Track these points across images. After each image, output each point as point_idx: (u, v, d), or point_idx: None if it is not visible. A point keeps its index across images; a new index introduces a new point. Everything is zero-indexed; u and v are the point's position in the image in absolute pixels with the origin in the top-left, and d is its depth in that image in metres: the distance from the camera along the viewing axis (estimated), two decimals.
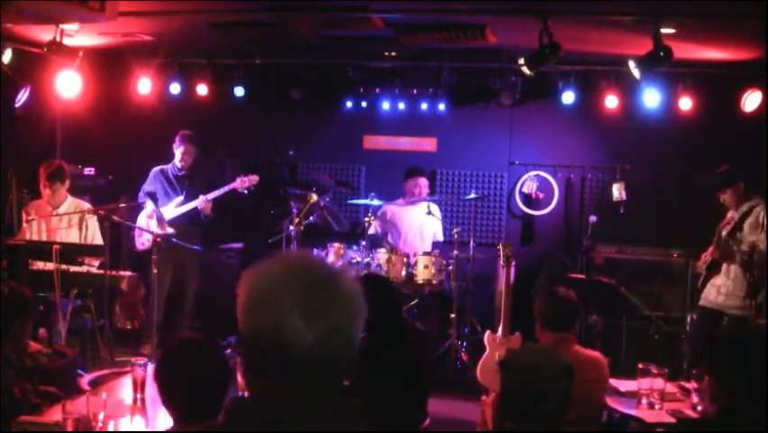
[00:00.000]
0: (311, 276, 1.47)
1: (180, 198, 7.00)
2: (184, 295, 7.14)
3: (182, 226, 6.91)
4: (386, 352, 3.64)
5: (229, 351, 5.72)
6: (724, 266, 5.81)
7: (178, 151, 7.06)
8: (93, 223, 6.43)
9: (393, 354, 3.68)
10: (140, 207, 7.03)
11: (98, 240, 6.46)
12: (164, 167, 7.17)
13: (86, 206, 6.53)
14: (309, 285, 1.45)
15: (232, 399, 1.54)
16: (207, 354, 2.70)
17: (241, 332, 1.48)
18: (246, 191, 7.00)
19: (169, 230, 6.84)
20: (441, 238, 7.55)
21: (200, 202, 6.91)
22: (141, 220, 6.97)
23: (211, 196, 6.93)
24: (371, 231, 7.35)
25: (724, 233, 5.85)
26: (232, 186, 6.96)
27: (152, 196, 7.05)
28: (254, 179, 6.98)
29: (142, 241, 6.95)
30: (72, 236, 6.34)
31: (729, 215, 5.94)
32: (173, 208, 6.99)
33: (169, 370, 2.67)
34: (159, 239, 6.42)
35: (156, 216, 6.92)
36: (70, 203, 6.46)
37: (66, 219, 6.38)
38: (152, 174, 7.16)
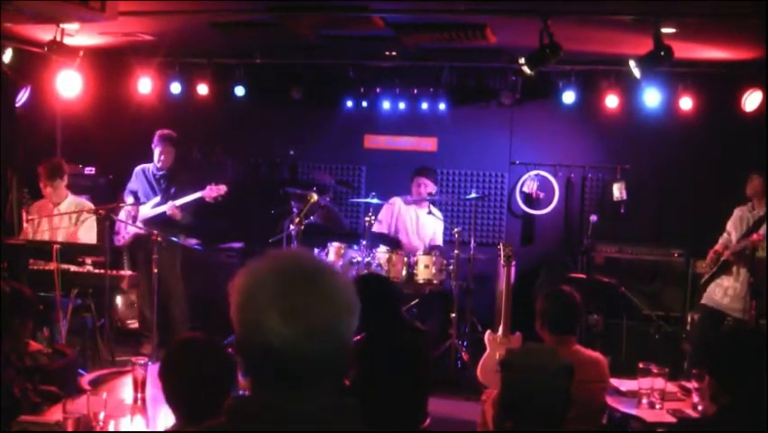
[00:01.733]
0: (294, 274, 1.46)
1: (157, 199, 6.97)
2: (170, 293, 7.02)
3: (161, 227, 6.80)
4: (385, 352, 3.64)
5: (230, 350, 5.72)
6: (734, 268, 5.81)
7: (156, 151, 6.99)
8: (90, 221, 6.41)
9: (393, 354, 3.68)
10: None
11: (91, 239, 6.42)
12: (146, 166, 7.12)
13: (87, 204, 6.53)
14: (290, 283, 1.44)
15: (232, 398, 1.54)
16: (213, 353, 2.72)
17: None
18: (213, 201, 6.88)
19: (140, 230, 6.80)
20: (440, 242, 7.54)
21: (169, 208, 6.84)
22: (122, 217, 6.96)
23: (179, 202, 6.84)
24: (376, 228, 7.35)
25: (733, 239, 5.86)
26: (200, 194, 6.85)
27: (135, 194, 7.03)
28: (222, 188, 6.83)
29: (118, 238, 6.99)
30: (72, 232, 6.34)
31: (737, 212, 5.94)
32: (149, 209, 6.96)
33: (173, 368, 2.67)
34: (160, 238, 6.41)
35: (131, 215, 6.89)
36: (71, 201, 6.48)
37: (66, 217, 6.39)
38: (135, 173, 7.15)
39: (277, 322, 1.40)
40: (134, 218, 6.90)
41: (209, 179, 6.99)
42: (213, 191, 6.85)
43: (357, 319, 1.49)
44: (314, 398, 1.44)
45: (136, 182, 7.11)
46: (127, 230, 7.01)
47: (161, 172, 7.05)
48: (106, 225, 6.17)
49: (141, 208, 6.94)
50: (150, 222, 6.86)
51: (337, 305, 1.46)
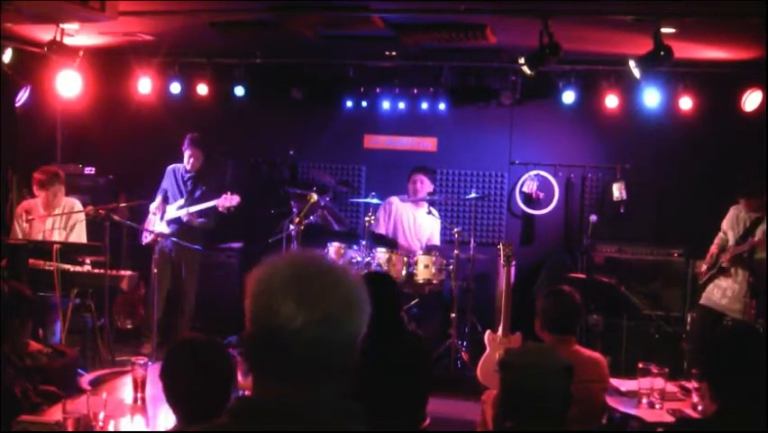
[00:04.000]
0: (310, 266, 1.49)
1: (181, 201, 7.03)
2: (183, 294, 7.12)
3: (183, 227, 6.93)
4: (386, 351, 3.64)
5: (230, 350, 5.72)
6: (732, 269, 5.80)
7: (186, 154, 7.09)
8: (79, 227, 6.37)
9: (393, 354, 3.68)
10: (151, 200, 7.09)
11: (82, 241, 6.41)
12: (176, 166, 7.22)
13: (78, 205, 6.45)
14: (306, 273, 1.47)
15: (235, 398, 1.55)
16: (213, 354, 2.72)
17: (245, 328, 1.50)
18: (226, 211, 6.84)
19: (166, 230, 6.85)
20: (437, 242, 7.53)
21: (184, 215, 6.92)
22: (150, 214, 7.05)
23: (194, 209, 6.89)
24: (377, 229, 7.35)
25: (730, 238, 5.86)
26: (214, 202, 6.84)
27: (165, 193, 7.11)
28: (235, 199, 6.79)
29: (145, 235, 6.98)
30: (64, 237, 6.28)
31: (733, 211, 5.92)
32: (174, 210, 7.01)
33: (174, 368, 2.68)
34: (160, 238, 6.41)
35: (159, 213, 6.98)
36: (64, 203, 6.40)
37: (59, 221, 6.33)
38: (167, 171, 7.24)
39: (291, 308, 1.42)
40: (162, 217, 7.01)
41: (229, 181, 7.10)
42: (226, 201, 6.80)
43: (366, 319, 1.51)
44: (316, 397, 1.45)
45: (167, 181, 7.20)
46: (148, 229, 7.03)
47: (189, 174, 7.12)
48: (107, 225, 6.15)
49: (168, 209, 7.03)
50: (175, 222, 6.98)
51: (350, 298, 1.48)
